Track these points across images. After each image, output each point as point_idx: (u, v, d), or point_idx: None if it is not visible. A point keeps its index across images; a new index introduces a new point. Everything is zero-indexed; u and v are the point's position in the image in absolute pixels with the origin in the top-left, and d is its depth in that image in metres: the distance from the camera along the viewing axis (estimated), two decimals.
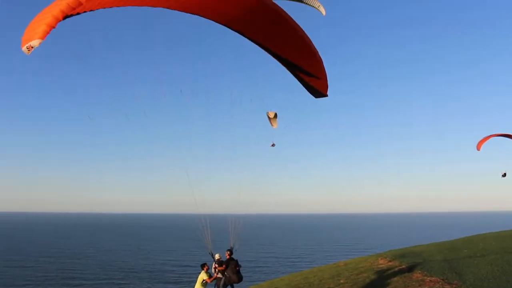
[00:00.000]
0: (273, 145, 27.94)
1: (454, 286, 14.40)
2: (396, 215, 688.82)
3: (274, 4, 8.71)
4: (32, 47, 6.68)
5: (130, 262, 70.33)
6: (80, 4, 7.09)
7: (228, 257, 15.79)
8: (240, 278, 15.36)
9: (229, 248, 16.06)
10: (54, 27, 6.90)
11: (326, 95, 10.04)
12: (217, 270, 15.95)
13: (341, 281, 15.08)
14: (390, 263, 17.75)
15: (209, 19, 8.86)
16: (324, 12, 17.93)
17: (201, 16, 8.84)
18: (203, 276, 18.79)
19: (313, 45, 9.31)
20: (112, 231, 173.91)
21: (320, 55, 9.50)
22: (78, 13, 7.26)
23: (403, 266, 16.17)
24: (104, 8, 7.77)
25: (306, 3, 17.44)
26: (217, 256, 16.13)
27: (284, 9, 8.98)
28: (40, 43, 6.68)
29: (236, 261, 15.73)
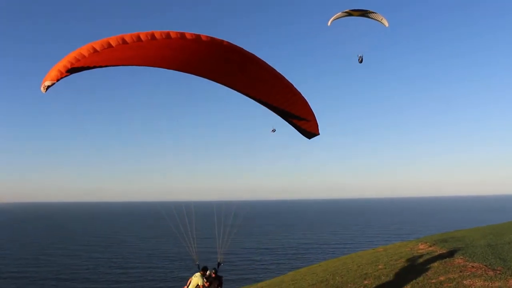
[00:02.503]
0: (273, 130, 29.75)
1: (497, 272, 13.95)
2: (438, 199, 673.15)
3: (257, 58, 9.42)
4: (46, 86, 8.99)
5: (172, 250, 71.88)
6: (84, 57, 8.99)
7: (214, 276, 15.65)
8: None
9: (216, 266, 15.90)
10: (63, 72, 8.94)
11: (318, 134, 10.50)
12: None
13: (380, 266, 14.92)
14: (430, 248, 17.40)
15: (195, 75, 9.84)
16: (387, 24, 19.68)
17: (188, 73, 9.85)
18: (198, 280, 18.51)
19: (296, 89, 9.77)
20: (151, 219, 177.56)
21: (304, 97, 9.93)
22: (82, 66, 9.20)
23: (444, 251, 15.80)
24: (105, 66, 9.46)
25: (371, 18, 19.64)
26: (208, 273, 15.89)
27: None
28: (52, 84, 8.97)
29: (220, 278, 15.69)
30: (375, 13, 19.49)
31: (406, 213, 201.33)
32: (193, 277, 18.55)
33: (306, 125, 10.17)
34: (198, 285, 18.55)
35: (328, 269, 16.92)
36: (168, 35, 9.01)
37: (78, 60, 8.95)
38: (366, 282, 12.60)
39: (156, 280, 46.09)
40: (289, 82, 9.69)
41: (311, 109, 10.06)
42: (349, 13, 19.54)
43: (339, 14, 19.55)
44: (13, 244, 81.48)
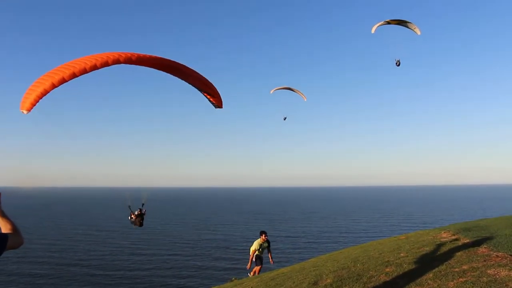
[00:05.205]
0: (285, 118, 34.77)
1: None
2: (462, 187, 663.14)
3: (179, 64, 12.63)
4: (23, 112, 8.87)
5: (192, 237, 72.55)
6: (73, 76, 9.20)
7: (139, 213, 20.24)
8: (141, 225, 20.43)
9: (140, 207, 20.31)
10: (35, 103, 9.03)
11: (221, 107, 14.47)
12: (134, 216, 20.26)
13: (401, 254, 14.77)
14: (453, 237, 17.17)
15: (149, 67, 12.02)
16: (419, 32, 23.84)
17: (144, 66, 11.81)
18: (254, 245, 23.72)
19: (204, 78, 13.55)
20: (172, 205, 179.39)
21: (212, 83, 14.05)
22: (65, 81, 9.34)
23: (468, 241, 15.56)
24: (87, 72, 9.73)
25: (406, 26, 24.02)
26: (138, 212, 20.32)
27: None
28: (27, 113, 8.89)
29: (143, 214, 20.40)
30: (410, 22, 23.62)
31: (428, 202, 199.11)
32: (255, 241, 23.91)
33: (212, 99, 14.08)
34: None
35: (350, 256, 16.84)
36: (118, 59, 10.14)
37: (55, 86, 9.34)
38: (387, 269, 12.50)
39: (176, 268, 46.80)
40: (200, 74, 13.43)
41: (216, 89, 14.01)
42: (388, 22, 23.92)
43: (380, 22, 24.00)
44: (38, 228, 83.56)
